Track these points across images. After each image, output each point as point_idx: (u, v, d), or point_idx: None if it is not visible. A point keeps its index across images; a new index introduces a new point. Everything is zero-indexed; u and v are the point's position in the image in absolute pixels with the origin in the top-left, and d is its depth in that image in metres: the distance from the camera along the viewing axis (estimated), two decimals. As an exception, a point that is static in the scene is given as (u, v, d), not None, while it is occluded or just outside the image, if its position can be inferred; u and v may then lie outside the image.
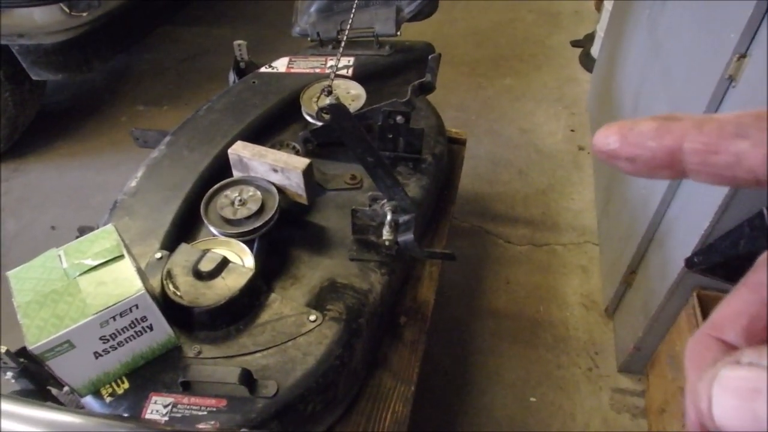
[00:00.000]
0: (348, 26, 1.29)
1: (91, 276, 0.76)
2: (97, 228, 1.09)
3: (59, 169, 2.09)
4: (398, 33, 1.39)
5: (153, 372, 0.83)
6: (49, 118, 2.27)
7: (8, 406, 0.36)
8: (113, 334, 0.76)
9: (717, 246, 0.92)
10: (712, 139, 0.19)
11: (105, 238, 0.80)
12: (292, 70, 1.40)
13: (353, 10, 1.24)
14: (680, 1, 1.30)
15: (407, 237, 0.98)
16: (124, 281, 0.75)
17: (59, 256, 0.78)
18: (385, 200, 1.00)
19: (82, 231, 1.12)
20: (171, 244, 1.00)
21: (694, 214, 1.09)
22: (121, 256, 0.78)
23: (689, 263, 0.99)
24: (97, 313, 0.72)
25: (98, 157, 2.14)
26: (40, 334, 0.70)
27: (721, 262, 0.89)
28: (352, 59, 1.39)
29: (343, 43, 1.22)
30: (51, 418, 0.37)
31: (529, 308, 1.54)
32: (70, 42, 1.77)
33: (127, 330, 0.77)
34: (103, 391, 0.81)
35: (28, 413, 0.37)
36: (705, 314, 1.10)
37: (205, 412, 0.79)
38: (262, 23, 2.77)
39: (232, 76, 1.51)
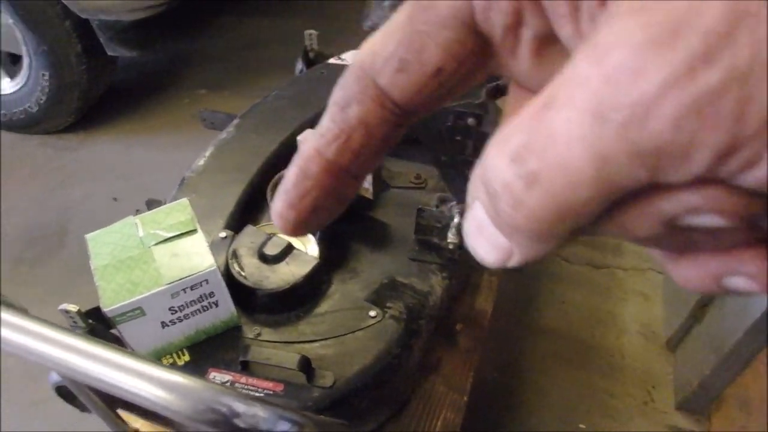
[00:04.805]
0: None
1: (165, 247, 0.76)
2: (165, 202, 1.10)
3: (123, 144, 2.14)
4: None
5: (213, 348, 0.83)
6: (116, 94, 2.32)
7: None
8: (181, 306, 0.76)
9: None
10: (334, 131, 0.20)
11: (180, 212, 0.81)
12: (363, 65, 1.40)
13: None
14: None
15: (474, 242, 0.96)
16: (196, 255, 0.76)
17: (136, 224, 0.79)
18: (454, 203, 0.98)
19: (150, 204, 1.14)
20: (234, 224, 1.01)
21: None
22: (195, 231, 0.79)
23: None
24: (169, 283, 0.72)
25: (160, 135, 2.18)
26: (115, 297, 0.71)
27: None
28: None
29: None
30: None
31: (583, 331, 1.50)
32: (147, 20, 1.81)
33: (195, 304, 0.77)
34: (165, 361, 0.82)
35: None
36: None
37: (262, 394, 0.79)
38: (327, 16, 2.79)
39: (299, 65, 1.52)
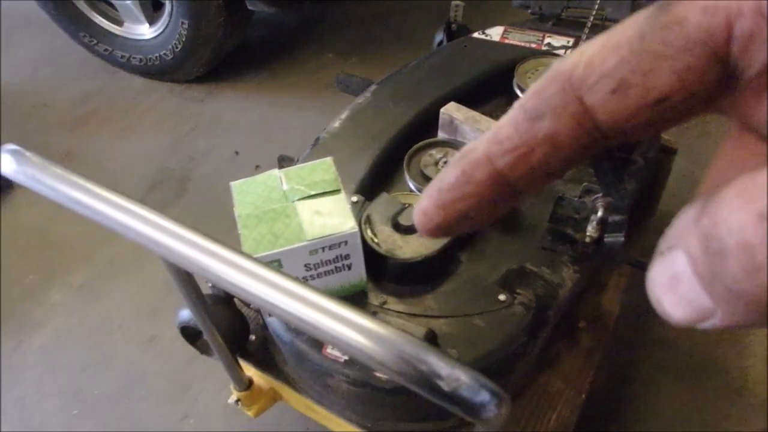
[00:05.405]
0: (575, 4, 1.22)
1: (308, 203, 0.76)
2: (297, 160, 1.12)
3: (247, 100, 2.20)
4: (631, 20, 1.29)
5: (339, 310, 0.83)
6: (245, 50, 2.38)
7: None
8: (317, 264, 0.76)
9: None
10: (515, 142, 0.18)
11: (324, 170, 0.81)
12: (506, 41, 1.35)
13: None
14: None
15: (617, 239, 0.90)
16: (338, 216, 0.75)
17: (280, 177, 0.80)
18: (600, 195, 0.93)
19: (282, 160, 1.16)
20: (365, 190, 1.00)
21: None
22: (338, 191, 0.78)
23: None
24: (311, 240, 0.72)
25: (283, 95, 2.22)
26: (256, 247, 0.72)
27: None
28: (572, 40, 1.32)
29: (589, 23, 1.15)
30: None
31: (703, 347, 1.41)
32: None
33: (329, 264, 0.77)
34: (290, 317, 0.82)
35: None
36: None
37: (385, 364, 0.78)
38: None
39: (439, 37, 1.49)
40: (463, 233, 0.21)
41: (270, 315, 0.84)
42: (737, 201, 0.13)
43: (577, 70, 0.17)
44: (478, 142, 0.19)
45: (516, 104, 0.18)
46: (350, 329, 0.31)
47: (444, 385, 0.30)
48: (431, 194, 0.20)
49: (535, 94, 0.18)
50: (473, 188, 0.19)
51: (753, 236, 0.12)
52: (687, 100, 0.16)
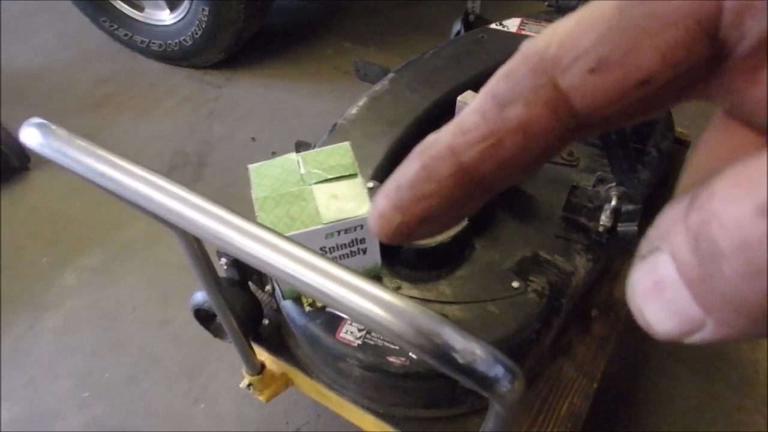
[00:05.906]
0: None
1: (325, 187, 0.77)
2: (314, 146, 1.12)
3: (264, 87, 2.21)
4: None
5: (353, 294, 0.84)
6: (263, 37, 2.39)
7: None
8: (332, 247, 0.77)
9: None
10: (482, 132, 0.15)
11: (342, 155, 0.81)
12: (523, 32, 1.35)
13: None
14: None
15: (630, 228, 0.91)
16: (355, 200, 0.76)
17: (298, 161, 0.80)
18: (614, 184, 0.93)
19: (299, 146, 1.16)
20: (381, 176, 1.01)
21: None
22: (355, 175, 0.79)
23: None
24: (327, 223, 0.73)
25: (300, 83, 2.22)
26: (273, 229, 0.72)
27: None
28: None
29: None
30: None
31: (715, 339, 1.40)
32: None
33: (344, 248, 0.78)
34: (304, 300, 0.83)
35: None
36: None
37: (398, 347, 0.79)
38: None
39: (457, 27, 1.49)
40: (432, 234, 0.18)
41: (286, 298, 0.85)
42: (732, 192, 0.11)
43: (550, 50, 0.15)
44: (441, 133, 0.17)
45: (483, 89, 0.16)
46: (367, 301, 0.31)
47: (459, 358, 0.31)
48: (388, 193, 0.17)
49: (503, 78, 0.15)
50: (436, 186, 0.16)
51: (751, 233, 0.10)
52: (672, 81, 0.14)
